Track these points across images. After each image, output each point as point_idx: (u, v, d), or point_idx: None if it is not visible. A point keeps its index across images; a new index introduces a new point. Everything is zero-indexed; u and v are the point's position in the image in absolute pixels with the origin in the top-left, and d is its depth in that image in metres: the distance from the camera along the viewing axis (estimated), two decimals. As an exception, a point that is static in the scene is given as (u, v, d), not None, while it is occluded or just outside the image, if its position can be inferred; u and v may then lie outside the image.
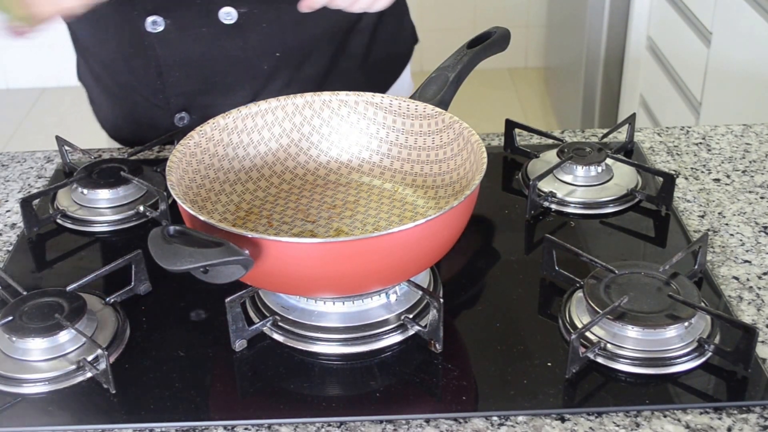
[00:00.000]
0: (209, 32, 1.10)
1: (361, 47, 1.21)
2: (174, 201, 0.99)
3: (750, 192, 1.03)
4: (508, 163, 1.10)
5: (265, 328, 0.82)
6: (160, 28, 1.09)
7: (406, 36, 1.31)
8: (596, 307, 0.79)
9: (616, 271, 0.83)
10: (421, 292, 0.82)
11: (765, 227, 0.96)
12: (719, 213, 0.99)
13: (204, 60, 1.12)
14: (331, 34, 1.16)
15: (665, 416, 0.73)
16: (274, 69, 1.14)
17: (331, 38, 1.17)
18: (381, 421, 0.73)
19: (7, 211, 1.04)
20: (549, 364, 0.78)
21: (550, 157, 1.06)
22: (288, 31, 1.12)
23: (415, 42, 1.34)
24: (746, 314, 0.84)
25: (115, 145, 1.27)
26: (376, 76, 1.26)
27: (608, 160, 1.03)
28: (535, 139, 1.14)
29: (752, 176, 1.06)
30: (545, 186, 1.01)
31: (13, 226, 1.01)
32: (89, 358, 0.78)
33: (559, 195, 1.01)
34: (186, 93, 1.15)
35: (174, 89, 1.14)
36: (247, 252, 0.70)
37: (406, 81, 1.33)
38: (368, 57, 1.23)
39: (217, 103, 1.15)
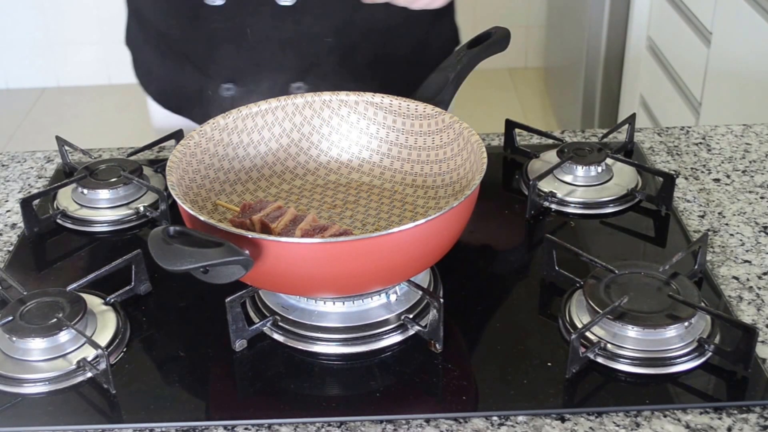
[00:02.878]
0: (266, 11, 1.11)
1: (409, 44, 1.22)
2: (174, 201, 0.99)
3: (750, 192, 1.03)
4: (508, 163, 1.10)
5: (265, 328, 0.82)
6: (220, 2, 1.10)
7: (452, 35, 1.32)
8: (596, 307, 0.79)
9: (616, 271, 0.83)
10: (421, 292, 0.82)
11: (765, 227, 0.96)
12: (719, 213, 0.99)
13: (257, 37, 1.14)
14: (383, 28, 1.17)
15: (665, 416, 0.73)
16: (322, 54, 1.16)
17: (382, 31, 1.17)
18: (381, 421, 0.73)
19: (8, 211, 1.04)
20: (549, 364, 0.78)
21: (550, 157, 1.06)
22: (341, 19, 1.14)
23: (457, 43, 1.34)
24: (746, 314, 0.84)
25: (117, 144, 1.28)
26: (420, 74, 1.27)
27: (608, 160, 1.03)
28: (535, 139, 1.14)
29: (752, 176, 1.06)
30: (545, 186, 1.01)
31: (13, 226, 1.01)
32: (89, 358, 0.78)
33: (559, 195, 1.01)
34: (236, 67, 1.17)
35: (224, 62, 1.16)
36: (247, 252, 0.70)
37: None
38: (415, 53, 1.23)
39: (264, 78, 1.16)
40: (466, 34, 1.09)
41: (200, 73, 1.19)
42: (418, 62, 1.24)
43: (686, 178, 1.06)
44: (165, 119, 1.28)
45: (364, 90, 1.15)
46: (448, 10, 1.27)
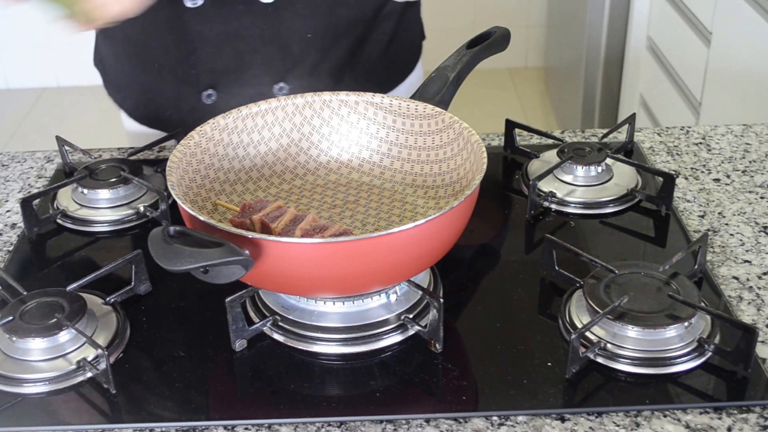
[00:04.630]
0: (245, 10, 1.11)
1: (383, 35, 1.23)
2: (174, 201, 0.99)
3: (750, 192, 1.03)
4: (508, 163, 1.10)
5: (265, 328, 0.82)
6: (199, 3, 1.10)
7: (419, 29, 1.34)
8: (596, 307, 0.79)
9: (616, 271, 0.83)
10: (421, 292, 0.82)
11: (765, 227, 0.96)
12: (719, 213, 0.99)
13: (237, 37, 1.13)
14: (359, 19, 1.18)
15: (665, 416, 0.73)
16: (304, 51, 1.16)
17: (359, 23, 1.18)
18: (381, 421, 0.73)
19: (8, 211, 1.04)
20: (549, 364, 0.78)
21: (550, 157, 1.06)
22: (320, 13, 1.14)
23: (423, 37, 1.37)
24: (746, 314, 0.84)
25: (117, 144, 1.28)
26: (394, 66, 1.29)
27: (608, 160, 1.03)
28: (535, 139, 1.14)
29: (752, 176, 1.06)
30: (545, 186, 1.01)
31: (13, 226, 1.01)
32: (89, 358, 0.78)
33: (559, 195, 1.01)
34: (216, 70, 1.16)
35: (205, 65, 1.16)
36: (247, 252, 0.70)
37: (419, 75, 1.35)
38: (389, 46, 1.25)
39: (246, 81, 1.16)
40: (466, 34, 1.09)
41: (179, 82, 1.18)
42: (388, 57, 1.25)
43: (686, 178, 1.06)
44: (141, 134, 1.27)
45: (341, 87, 1.15)
46: (416, 4, 1.29)
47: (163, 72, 1.19)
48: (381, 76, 1.26)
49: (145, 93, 1.24)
